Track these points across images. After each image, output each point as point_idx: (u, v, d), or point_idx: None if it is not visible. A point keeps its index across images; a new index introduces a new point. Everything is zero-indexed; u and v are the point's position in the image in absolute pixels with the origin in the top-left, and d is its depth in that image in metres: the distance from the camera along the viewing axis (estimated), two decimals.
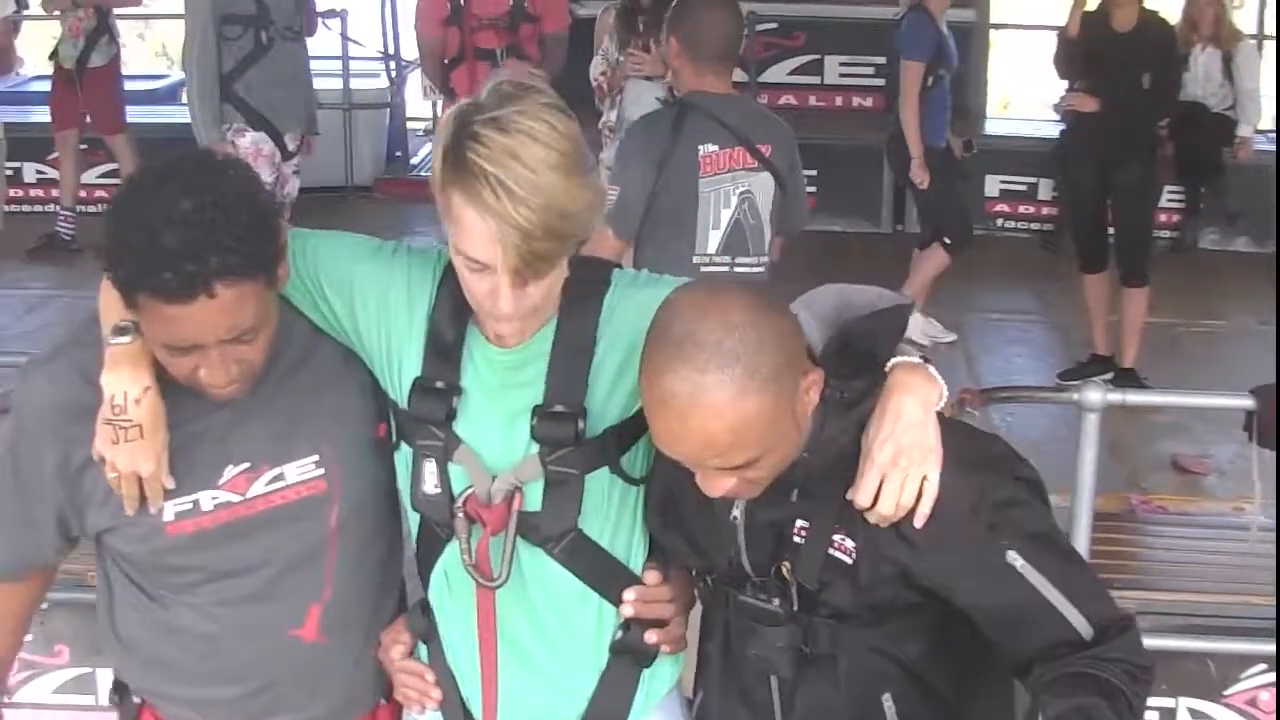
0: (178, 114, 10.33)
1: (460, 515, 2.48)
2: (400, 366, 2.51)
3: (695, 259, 4.64)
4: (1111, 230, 7.75)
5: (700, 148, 4.67)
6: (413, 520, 2.61)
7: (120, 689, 2.72)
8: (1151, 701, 3.76)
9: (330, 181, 10.32)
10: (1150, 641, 2.43)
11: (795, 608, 2.39)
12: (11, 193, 10.55)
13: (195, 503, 2.49)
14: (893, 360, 2.36)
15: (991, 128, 10.93)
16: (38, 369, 2.52)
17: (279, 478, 2.53)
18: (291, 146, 7.25)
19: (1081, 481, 4.50)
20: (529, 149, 2.22)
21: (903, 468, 2.25)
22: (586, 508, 2.49)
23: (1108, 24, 7.55)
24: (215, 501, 2.50)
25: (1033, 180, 10.23)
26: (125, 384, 2.38)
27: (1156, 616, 4.79)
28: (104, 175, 10.50)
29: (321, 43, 9.03)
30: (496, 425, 2.48)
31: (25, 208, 10.69)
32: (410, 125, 11.67)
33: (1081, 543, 4.42)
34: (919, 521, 2.27)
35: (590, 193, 2.30)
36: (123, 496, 2.43)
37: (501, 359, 2.47)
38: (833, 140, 10.37)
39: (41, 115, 10.03)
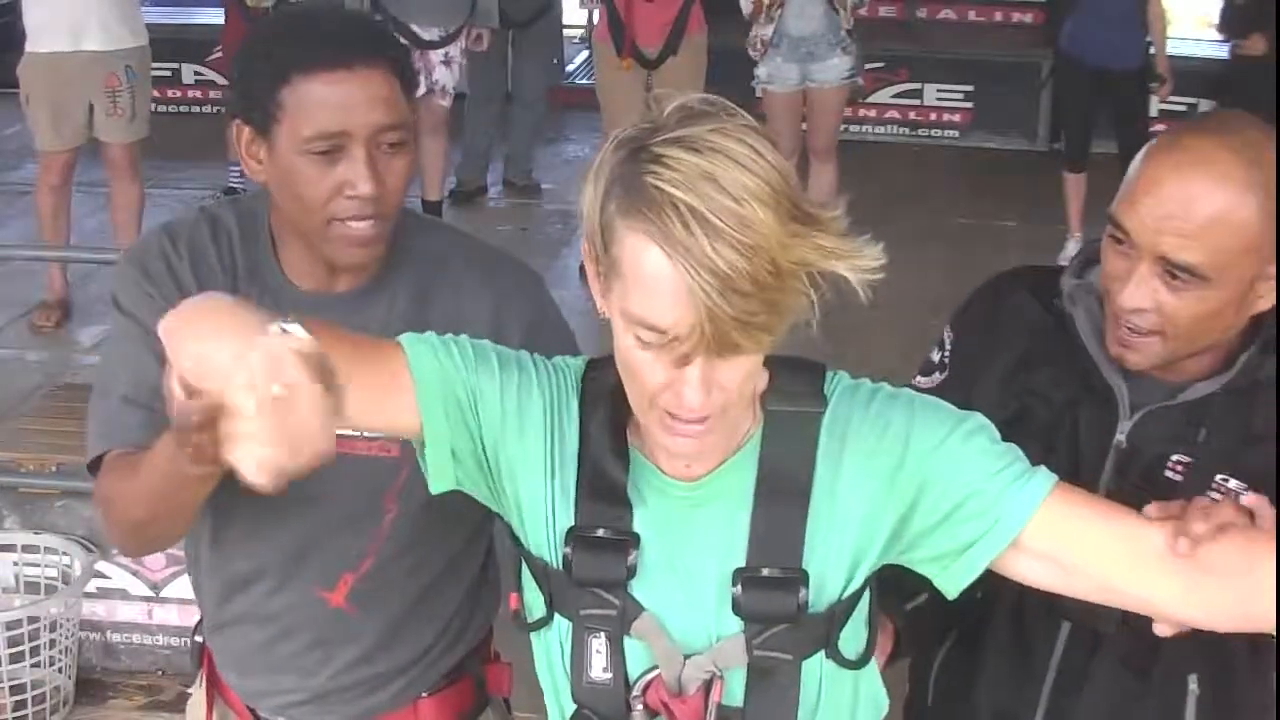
0: None
1: (640, 708, 1.89)
2: (554, 516, 1.91)
3: None
4: None
5: None
6: (555, 710, 2.02)
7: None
8: None
9: None
10: None
11: None
12: (170, 93, 10.66)
13: None
14: None
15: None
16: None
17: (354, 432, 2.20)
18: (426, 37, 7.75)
19: None
20: (730, 173, 1.63)
21: None
22: (801, 703, 1.93)
23: None
24: None
25: (1193, 101, 9.81)
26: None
27: None
28: None
29: None
30: (678, 586, 1.88)
31: (184, 108, 10.88)
32: (566, 33, 11.67)
33: None
34: None
35: (811, 252, 1.66)
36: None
37: (680, 494, 1.87)
38: (990, 55, 10.29)
39: (200, 15, 10.18)
